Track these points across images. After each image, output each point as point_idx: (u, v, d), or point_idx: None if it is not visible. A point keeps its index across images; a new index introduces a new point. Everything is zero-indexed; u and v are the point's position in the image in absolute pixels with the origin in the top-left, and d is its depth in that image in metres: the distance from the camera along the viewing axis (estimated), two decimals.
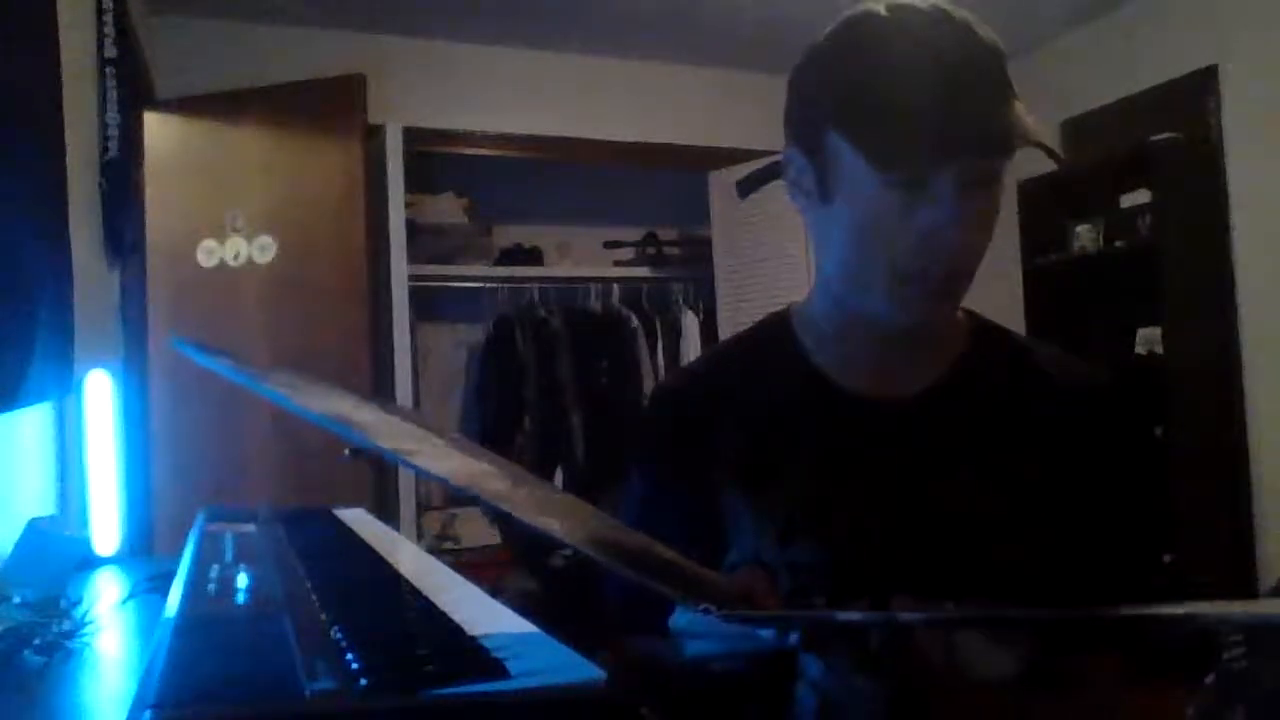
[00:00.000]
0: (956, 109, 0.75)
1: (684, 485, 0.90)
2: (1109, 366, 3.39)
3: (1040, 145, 0.77)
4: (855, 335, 0.88)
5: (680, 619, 0.71)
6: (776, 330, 0.95)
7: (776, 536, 0.84)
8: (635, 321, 4.43)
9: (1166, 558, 0.98)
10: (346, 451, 2.83)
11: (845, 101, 0.80)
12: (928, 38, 0.77)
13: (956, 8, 0.79)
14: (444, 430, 0.72)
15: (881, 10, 0.80)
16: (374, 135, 3.37)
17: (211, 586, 0.67)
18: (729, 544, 0.86)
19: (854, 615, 0.63)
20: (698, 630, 0.69)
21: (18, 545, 1.28)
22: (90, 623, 0.95)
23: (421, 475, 0.62)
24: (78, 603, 1.04)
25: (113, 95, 2.24)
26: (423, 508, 4.02)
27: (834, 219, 0.83)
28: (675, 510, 0.91)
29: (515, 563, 3.93)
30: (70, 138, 1.60)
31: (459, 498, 4.31)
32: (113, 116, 2.24)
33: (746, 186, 0.96)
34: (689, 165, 4.36)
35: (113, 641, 0.95)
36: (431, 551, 2.19)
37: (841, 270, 0.85)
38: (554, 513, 0.65)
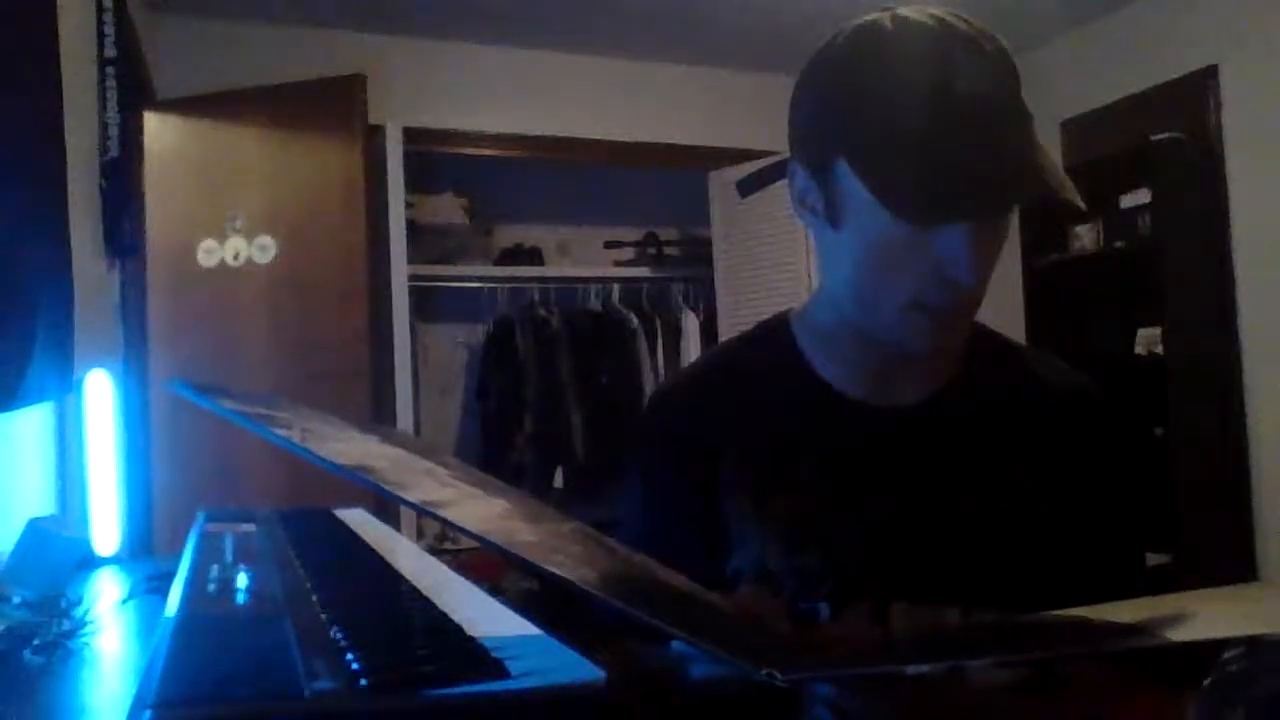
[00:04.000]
0: (979, 166, 0.73)
1: (684, 490, 0.90)
2: (1109, 366, 3.40)
3: (1064, 200, 0.74)
4: (858, 345, 0.88)
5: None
6: (777, 335, 0.94)
7: (779, 543, 0.83)
8: (635, 321, 4.43)
9: (1164, 559, 0.99)
10: None
11: (857, 138, 0.77)
12: (941, 67, 0.74)
13: (964, 19, 0.77)
14: (437, 450, 0.71)
15: (889, 25, 0.77)
16: (374, 135, 3.37)
17: (211, 586, 0.67)
18: (731, 549, 0.86)
19: (919, 668, 0.60)
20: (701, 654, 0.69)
21: (18, 545, 1.28)
22: (90, 623, 0.95)
23: (452, 529, 0.61)
24: (78, 603, 1.04)
25: (113, 95, 2.24)
26: None
27: (842, 243, 0.82)
28: (676, 516, 0.90)
29: (515, 563, 3.92)
30: (70, 138, 1.60)
31: None
32: (113, 116, 2.25)
33: (748, 186, 0.95)
34: (689, 165, 4.36)
35: (113, 641, 0.95)
36: (431, 551, 2.19)
37: (848, 291, 0.84)
38: (576, 558, 0.62)
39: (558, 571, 0.52)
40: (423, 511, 0.54)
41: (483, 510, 0.63)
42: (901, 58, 0.76)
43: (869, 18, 0.80)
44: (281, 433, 0.59)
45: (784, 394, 0.90)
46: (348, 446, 0.66)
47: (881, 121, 0.76)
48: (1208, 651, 0.55)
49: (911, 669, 0.55)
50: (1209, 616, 0.63)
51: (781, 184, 0.90)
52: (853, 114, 0.78)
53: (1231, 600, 0.70)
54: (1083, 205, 0.75)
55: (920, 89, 0.74)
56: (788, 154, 0.87)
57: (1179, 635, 0.55)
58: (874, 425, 0.87)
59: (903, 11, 0.78)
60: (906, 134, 0.74)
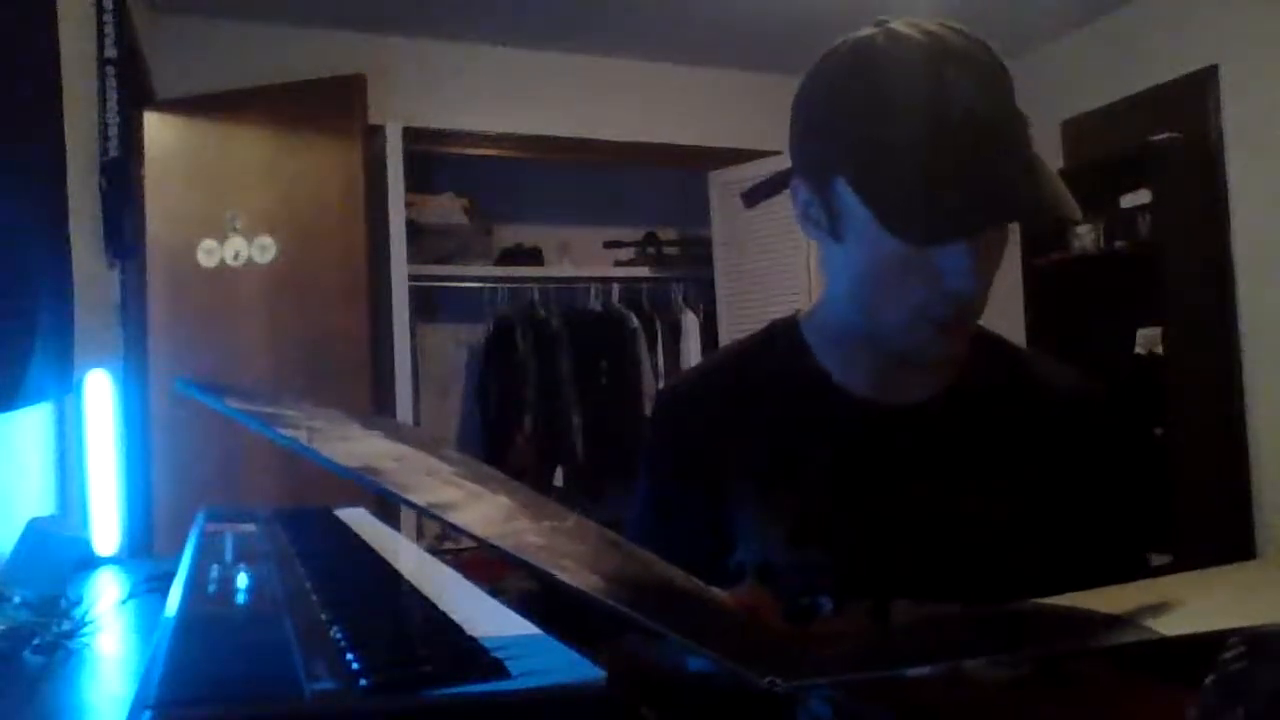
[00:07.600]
0: (976, 186, 0.74)
1: (691, 486, 0.91)
2: (1109, 366, 3.40)
3: (1060, 216, 0.75)
4: (864, 347, 0.89)
5: None
6: (785, 335, 0.95)
7: (784, 538, 0.84)
8: (635, 321, 4.43)
9: (1164, 559, 0.99)
10: None
11: (855, 160, 0.78)
12: (934, 86, 0.74)
13: (955, 30, 0.77)
14: (439, 443, 0.70)
15: (881, 43, 0.78)
16: (374, 135, 3.37)
17: (211, 586, 0.67)
18: (735, 544, 0.87)
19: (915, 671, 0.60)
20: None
21: (18, 545, 1.28)
22: (90, 623, 0.95)
23: (459, 533, 0.60)
24: (78, 603, 1.04)
25: (113, 95, 2.24)
26: None
27: (846, 256, 0.83)
28: (682, 511, 0.91)
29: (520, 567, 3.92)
30: (70, 138, 1.60)
31: None
32: (113, 116, 2.24)
33: (754, 197, 0.95)
34: (689, 165, 4.36)
35: (113, 641, 0.95)
36: (431, 551, 2.19)
37: (853, 302, 0.85)
38: (581, 558, 0.62)
39: (563, 577, 0.52)
40: (429, 515, 0.54)
41: (488, 512, 0.63)
42: (895, 79, 0.76)
43: (862, 34, 0.80)
44: (288, 433, 0.59)
45: (791, 391, 0.91)
46: (353, 446, 0.66)
47: (878, 143, 0.76)
48: (1204, 644, 0.55)
49: (912, 672, 0.55)
50: (1203, 604, 0.63)
51: (786, 192, 0.90)
52: (849, 136, 0.78)
53: (1225, 583, 0.70)
54: (1079, 217, 0.76)
55: (914, 110, 0.75)
56: (789, 157, 0.87)
57: (1173, 624, 0.55)
58: (879, 423, 0.88)
59: (895, 26, 0.79)
60: (903, 155, 0.75)
